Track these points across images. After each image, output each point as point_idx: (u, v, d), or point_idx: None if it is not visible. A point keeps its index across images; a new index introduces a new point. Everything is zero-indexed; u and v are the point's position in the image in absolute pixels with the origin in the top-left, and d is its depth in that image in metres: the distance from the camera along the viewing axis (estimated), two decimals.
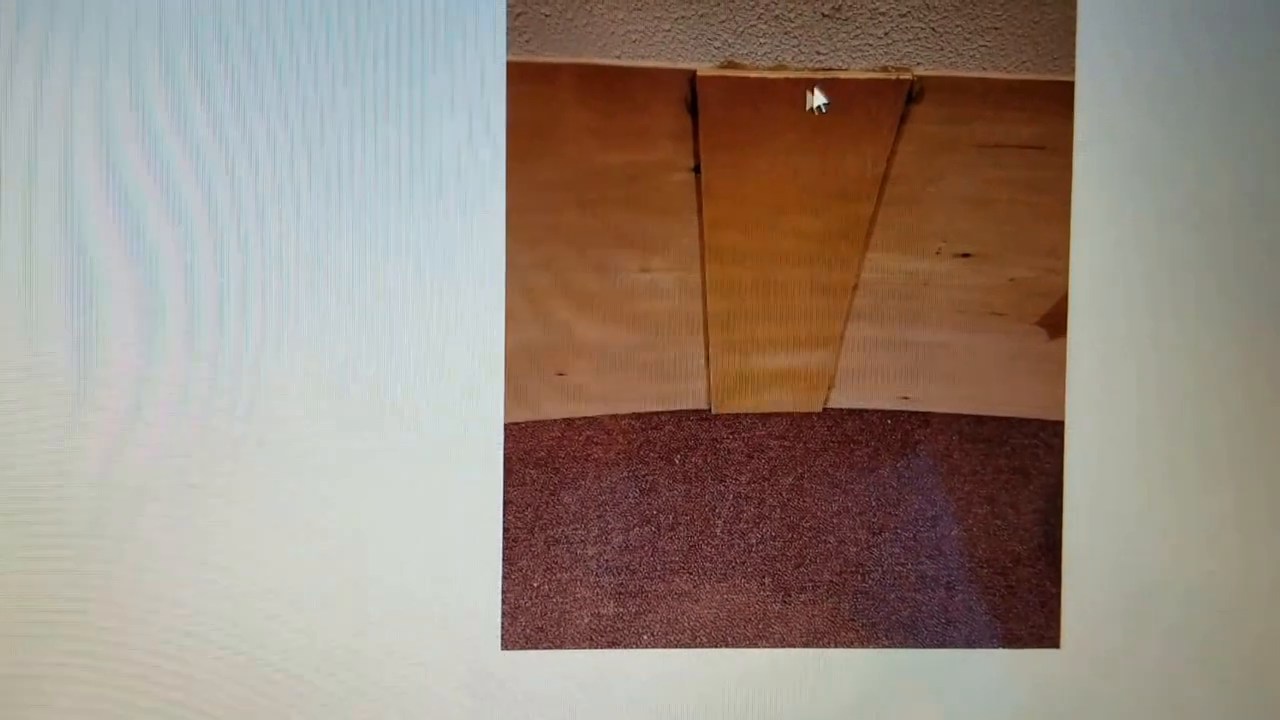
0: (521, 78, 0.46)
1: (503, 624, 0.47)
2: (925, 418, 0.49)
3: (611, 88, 0.46)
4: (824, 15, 0.47)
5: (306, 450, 0.46)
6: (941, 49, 0.47)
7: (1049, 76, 0.48)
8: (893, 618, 0.48)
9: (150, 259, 0.46)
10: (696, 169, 0.47)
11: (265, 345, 0.46)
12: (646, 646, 0.48)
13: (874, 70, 0.47)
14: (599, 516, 0.48)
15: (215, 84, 0.46)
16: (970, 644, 0.48)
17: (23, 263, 0.45)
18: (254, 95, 0.46)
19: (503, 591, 0.47)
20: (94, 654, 0.46)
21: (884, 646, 0.48)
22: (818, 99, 0.45)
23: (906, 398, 0.49)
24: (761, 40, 0.47)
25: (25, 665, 0.46)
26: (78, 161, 0.45)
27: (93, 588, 0.46)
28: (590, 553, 0.48)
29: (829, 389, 0.49)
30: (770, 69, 0.47)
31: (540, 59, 0.46)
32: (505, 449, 0.47)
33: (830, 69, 0.47)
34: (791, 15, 0.47)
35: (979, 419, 0.49)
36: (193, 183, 0.46)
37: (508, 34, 0.46)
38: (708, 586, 0.48)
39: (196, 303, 0.46)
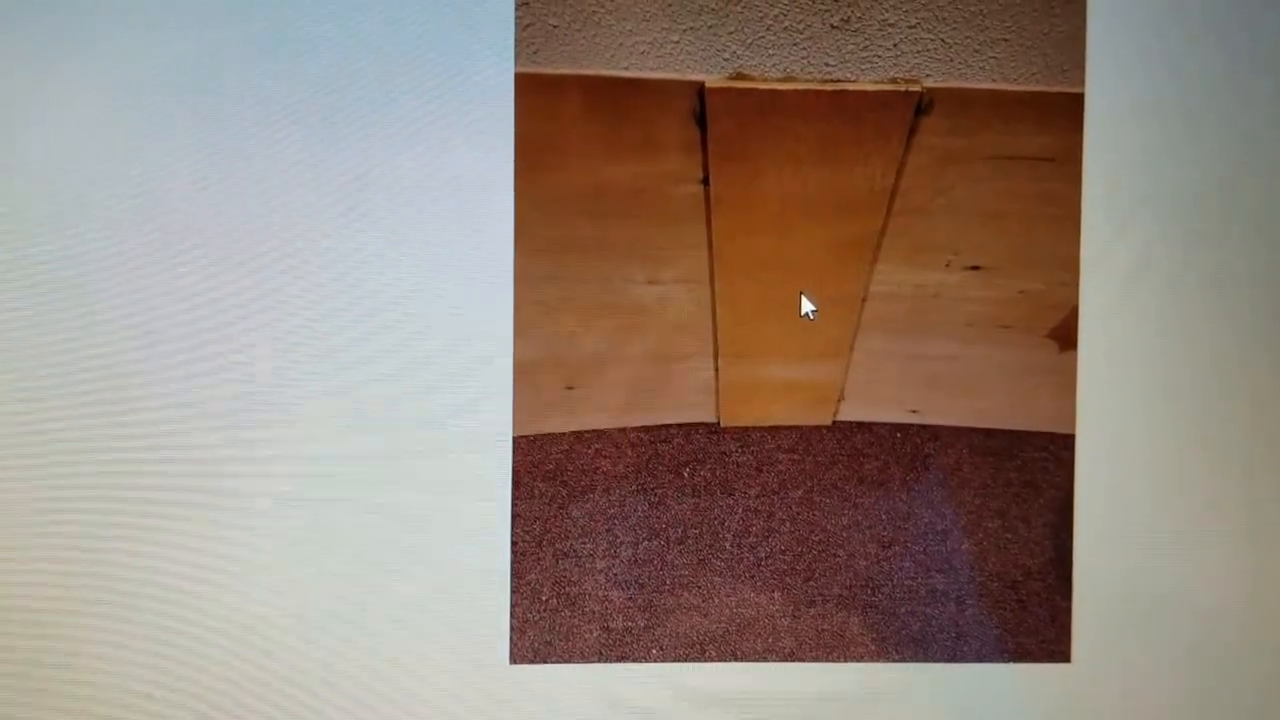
0: (530, 89, 0.46)
1: (511, 638, 0.47)
2: (935, 431, 0.49)
3: (620, 99, 0.46)
4: (833, 27, 0.47)
5: (314, 463, 0.46)
6: (951, 61, 0.47)
7: (1059, 88, 0.47)
8: (903, 631, 0.48)
9: (156, 273, 0.46)
10: (705, 181, 0.47)
11: (274, 359, 0.46)
12: (656, 660, 0.47)
13: (883, 82, 0.47)
14: (607, 530, 0.48)
15: (224, 95, 0.46)
16: (981, 658, 0.48)
17: (28, 268, 0.45)
18: (264, 108, 0.46)
19: (511, 605, 0.47)
20: (96, 662, 0.46)
21: (894, 660, 0.48)
22: (807, 306, 0.46)
23: (916, 411, 0.49)
24: (770, 52, 0.47)
25: (31, 669, 0.46)
26: (90, 167, 0.45)
27: (97, 597, 0.46)
28: (599, 566, 0.47)
29: (838, 402, 0.49)
30: (779, 80, 0.47)
31: (548, 71, 0.46)
32: (513, 462, 0.47)
33: (839, 80, 0.47)
34: (801, 26, 0.47)
35: (989, 432, 0.49)
36: (199, 195, 0.46)
37: (516, 46, 0.46)
38: (717, 600, 0.48)
39: (206, 316, 0.46)
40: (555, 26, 0.46)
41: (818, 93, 0.47)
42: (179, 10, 0.46)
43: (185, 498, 0.46)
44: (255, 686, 0.46)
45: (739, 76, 0.47)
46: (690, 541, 0.48)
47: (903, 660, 0.48)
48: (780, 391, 0.48)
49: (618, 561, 0.48)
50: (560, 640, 0.47)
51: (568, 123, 0.46)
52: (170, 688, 0.46)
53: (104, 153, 0.45)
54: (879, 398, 0.49)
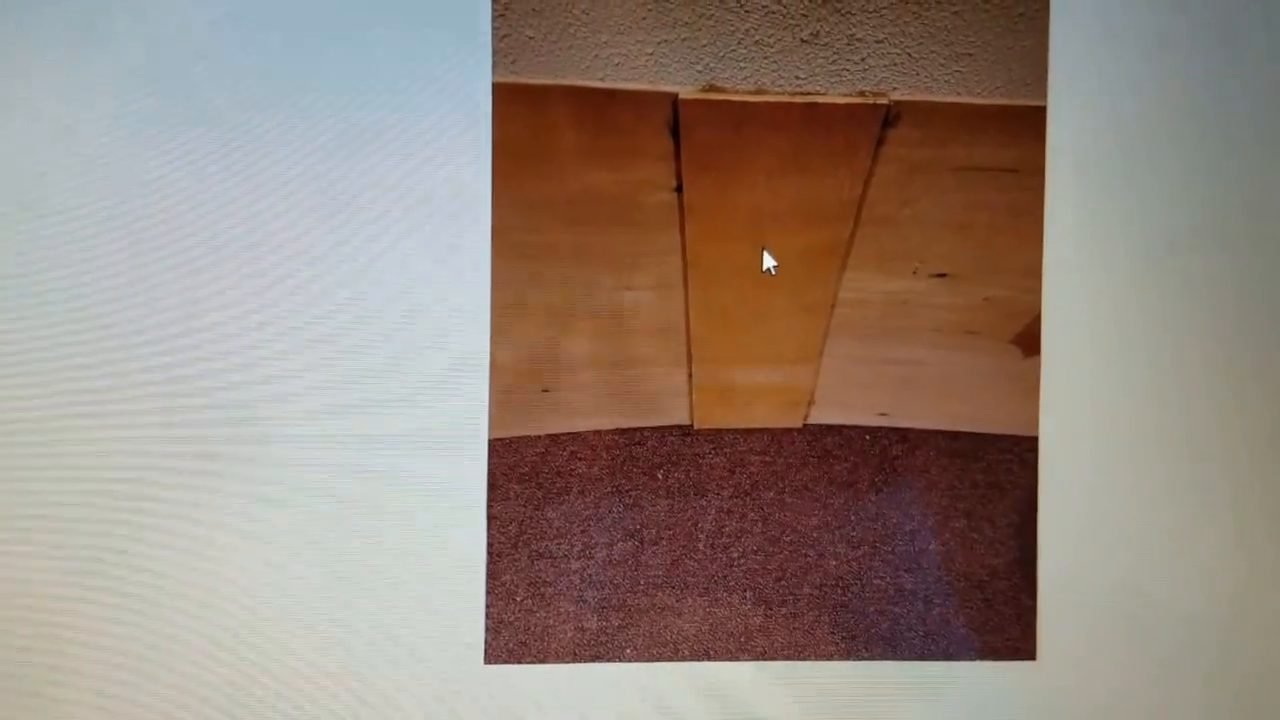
0: (507, 99, 0.47)
1: (486, 638, 0.47)
2: (903, 433, 0.50)
3: (595, 109, 0.47)
4: (803, 41, 0.48)
5: (292, 466, 0.46)
6: (917, 74, 0.48)
7: (1022, 101, 0.49)
8: (872, 630, 0.49)
9: (146, 276, 0.46)
10: (679, 189, 0.48)
11: (255, 365, 0.46)
12: (629, 660, 0.48)
13: (851, 95, 0.48)
14: (582, 531, 0.48)
15: (211, 105, 0.46)
16: (948, 656, 0.49)
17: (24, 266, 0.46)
18: (246, 116, 0.46)
19: (486, 606, 0.47)
20: (88, 660, 0.46)
21: (863, 659, 0.49)
22: (768, 261, 0.47)
23: (884, 414, 0.50)
24: (742, 65, 0.48)
25: (24, 670, 0.46)
26: (93, 174, 0.46)
27: (88, 596, 0.46)
28: (574, 567, 0.48)
29: (809, 405, 0.49)
30: (750, 93, 0.48)
31: (525, 81, 0.47)
32: (489, 464, 0.47)
33: (809, 93, 0.48)
34: (771, 41, 0.48)
35: (955, 434, 0.50)
36: (190, 204, 0.46)
37: (493, 56, 0.47)
38: (690, 600, 0.48)
39: (188, 324, 0.46)
40: (532, 38, 0.47)
41: (788, 105, 0.48)
42: (171, 24, 0.46)
43: (166, 505, 0.46)
44: (230, 686, 0.46)
45: (712, 89, 0.48)
46: (664, 542, 0.48)
47: (872, 658, 0.49)
48: (752, 395, 0.49)
49: (592, 562, 0.48)
50: (535, 640, 0.47)
51: (544, 132, 0.47)
52: (145, 686, 0.46)
53: (101, 163, 0.46)
54: (849, 401, 0.49)
